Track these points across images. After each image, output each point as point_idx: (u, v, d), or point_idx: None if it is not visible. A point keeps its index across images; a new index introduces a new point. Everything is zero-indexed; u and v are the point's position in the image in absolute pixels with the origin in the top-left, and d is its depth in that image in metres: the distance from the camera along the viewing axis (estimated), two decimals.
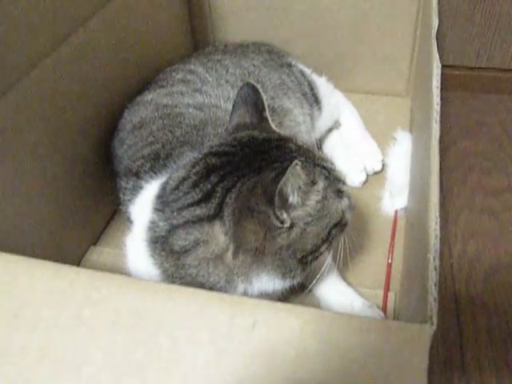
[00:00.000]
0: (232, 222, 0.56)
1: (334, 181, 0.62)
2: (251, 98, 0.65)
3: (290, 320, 0.39)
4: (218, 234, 0.57)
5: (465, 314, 0.82)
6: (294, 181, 0.55)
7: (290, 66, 1.01)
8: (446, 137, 1.17)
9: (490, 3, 1.18)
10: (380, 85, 1.21)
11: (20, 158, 0.69)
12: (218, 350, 0.38)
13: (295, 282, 0.63)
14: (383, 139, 1.03)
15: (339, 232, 0.64)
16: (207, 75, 0.87)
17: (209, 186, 0.58)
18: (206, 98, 0.82)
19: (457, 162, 1.10)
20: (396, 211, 0.92)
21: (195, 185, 0.59)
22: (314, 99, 0.98)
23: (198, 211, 0.58)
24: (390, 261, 0.85)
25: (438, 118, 0.59)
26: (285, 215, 0.56)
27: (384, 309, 0.77)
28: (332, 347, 0.37)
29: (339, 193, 0.63)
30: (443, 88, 1.26)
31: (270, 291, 0.62)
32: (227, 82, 0.87)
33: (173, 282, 0.61)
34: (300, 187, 0.56)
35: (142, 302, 0.42)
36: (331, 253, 0.67)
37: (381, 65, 1.17)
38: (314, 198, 0.59)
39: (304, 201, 0.58)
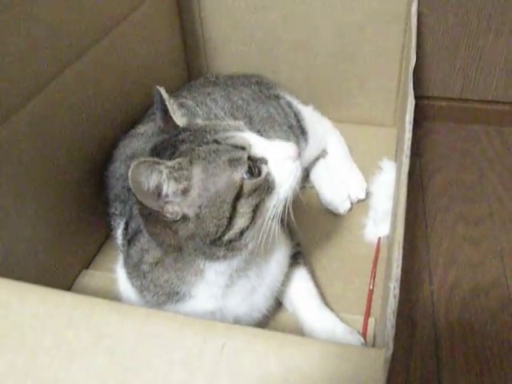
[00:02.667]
0: (146, 230, 0.64)
1: (224, 152, 0.60)
2: (159, 104, 0.68)
3: (257, 343, 0.42)
4: (149, 242, 0.65)
5: (443, 339, 0.84)
6: (148, 177, 0.56)
7: (277, 97, 1.05)
8: (430, 165, 1.21)
9: (473, 38, 1.22)
10: (367, 115, 1.25)
11: (14, 184, 0.73)
12: (190, 369, 0.41)
13: (237, 262, 0.65)
14: (369, 168, 1.07)
15: (264, 199, 0.61)
16: (197, 109, 0.92)
17: None
18: None
19: (440, 190, 1.13)
20: (379, 238, 0.95)
21: None
22: (300, 131, 1.02)
23: (134, 225, 0.69)
24: (371, 287, 0.87)
25: (408, 153, 0.62)
26: (169, 207, 0.58)
27: (364, 334, 0.79)
28: (293, 370, 0.40)
29: (232, 162, 0.59)
30: (429, 118, 1.32)
31: (225, 275, 0.66)
32: (216, 115, 0.91)
33: (145, 298, 0.68)
34: (166, 179, 0.57)
35: (121, 325, 0.45)
36: (275, 220, 0.63)
37: (369, 96, 1.22)
38: (189, 183, 0.59)
39: (181, 188, 0.58)
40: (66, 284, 0.89)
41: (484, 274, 0.94)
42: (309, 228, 0.93)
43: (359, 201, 1.03)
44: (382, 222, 0.95)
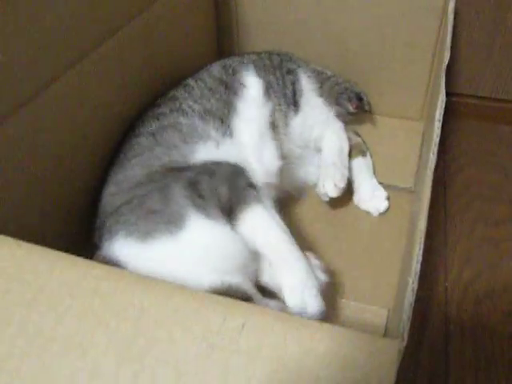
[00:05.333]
0: None
1: None
2: None
3: (276, 325, 0.43)
4: None
5: (453, 336, 0.85)
6: None
7: (288, 72, 1.05)
8: (453, 164, 1.20)
9: (508, 37, 1.21)
10: (395, 107, 1.24)
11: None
12: (209, 345, 0.43)
13: None
14: (394, 160, 1.08)
15: None
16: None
17: None
18: None
19: (462, 189, 1.13)
20: None
21: None
22: (292, 101, 1.02)
23: None
24: None
25: (435, 150, 0.63)
26: None
27: None
28: (309, 352, 0.41)
29: None
30: (457, 115, 1.31)
31: None
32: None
33: None
34: None
35: (145, 297, 0.47)
36: None
37: (397, 88, 1.21)
38: None
39: None
40: None
41: (500, 275, 0.94)
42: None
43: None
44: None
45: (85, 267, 0.50)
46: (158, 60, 0.97)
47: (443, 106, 0.70)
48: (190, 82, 0.94)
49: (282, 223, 0.75)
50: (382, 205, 1.00)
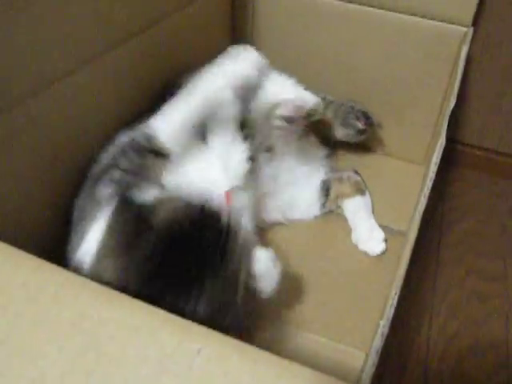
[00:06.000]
0: None
1: None
2: None
3: (234, 355, 0.41)
4: None
5: None
6: None
7: None
8: (452, 213, 1.18)
9: None
10: (400, 149, 1.23)
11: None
12: (161, 367, 0.41)
13: None
14: (393, 201, 1.06)
15: None
16: None
17: None
18: None
19: (458, 239, 1.11)
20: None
21: None
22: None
23: None
24: None
25: (427, 193, 0.61)
26: None
27: None
28: None
29: None
30: (461, 165, 1.29)
31: None
32: None
33: None
34: None
35: (104, 311, 0.45)
36: None
37: (403, 130, 1.20)
38: None
39: None
40: None
41: (486, 332, 0.91)
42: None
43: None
44: None
45: (49, 272, 0.48)
46: (167, 70, 0.97)
47: (441, 151, 0.69)
48: None
49: None
50: (379, 247, 0.97)
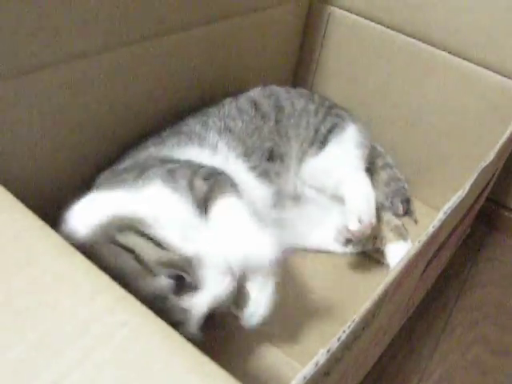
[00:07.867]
0: None
1: None
2: None
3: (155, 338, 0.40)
4: None
5: None
6: None
7: (335, 115, 1.01)
8: (478, 277, 1.12)
9: None
10: (434, 198, 1.17)
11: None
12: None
13: None
14: None
15: None
16: None
17: None
18: None
19: (475, 305, 1.04)
20: None
21: None
22: (321, 139, 0.96)
23: None
24: None
25: (424, 239, 0.58)
26: None
27: None
28: None
29: None
30: (504, 230, 1.21)
31: None
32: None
33: None
34: None
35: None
36: None
37: (445, 181, 1.15)
38: None
39: None
40: None
41: None
42: None
43: None
44: None
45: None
46: (223, 68, 0.99)
47: (457, 201, 0.65)
48: (227, 100, 0.95)
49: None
50: None
